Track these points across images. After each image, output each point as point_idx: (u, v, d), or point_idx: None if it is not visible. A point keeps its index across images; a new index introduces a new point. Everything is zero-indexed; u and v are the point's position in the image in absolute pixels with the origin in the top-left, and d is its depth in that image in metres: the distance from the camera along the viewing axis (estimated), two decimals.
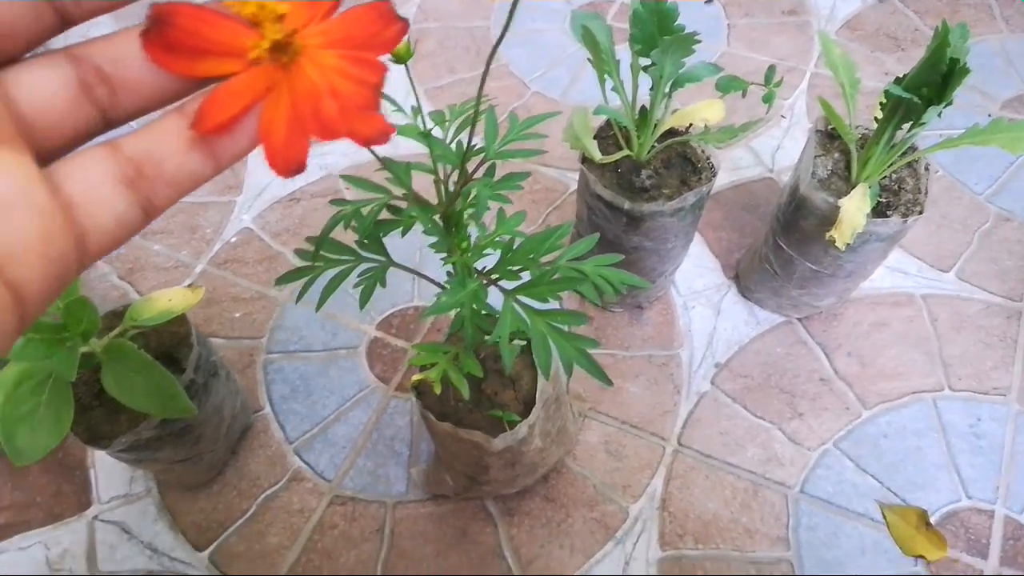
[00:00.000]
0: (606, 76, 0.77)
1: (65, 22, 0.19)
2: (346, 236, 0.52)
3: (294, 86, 0.19)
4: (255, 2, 0.18)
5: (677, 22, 0.72)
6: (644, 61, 0.75)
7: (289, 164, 0.19)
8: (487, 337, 0.55)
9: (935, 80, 0.69)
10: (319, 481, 0.89)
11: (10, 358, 0.60)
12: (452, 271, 0.53)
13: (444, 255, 0.52)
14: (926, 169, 0.84)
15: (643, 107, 0.81)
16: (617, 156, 0.82)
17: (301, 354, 0.98)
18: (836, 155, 0.86)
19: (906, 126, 0.75)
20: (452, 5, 1.43)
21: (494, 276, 0.52)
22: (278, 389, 0.96)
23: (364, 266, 0.54)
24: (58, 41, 0.20)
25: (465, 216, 0.52)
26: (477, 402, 0.71)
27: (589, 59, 0.76)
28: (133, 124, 0.20)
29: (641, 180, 0.83)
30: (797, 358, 0.98)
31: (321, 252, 0.52)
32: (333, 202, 0.53)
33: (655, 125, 0.81)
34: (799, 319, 1.01)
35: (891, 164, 0.79)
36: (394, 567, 0.83)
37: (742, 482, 0.88)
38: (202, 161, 0.20)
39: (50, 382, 0.62)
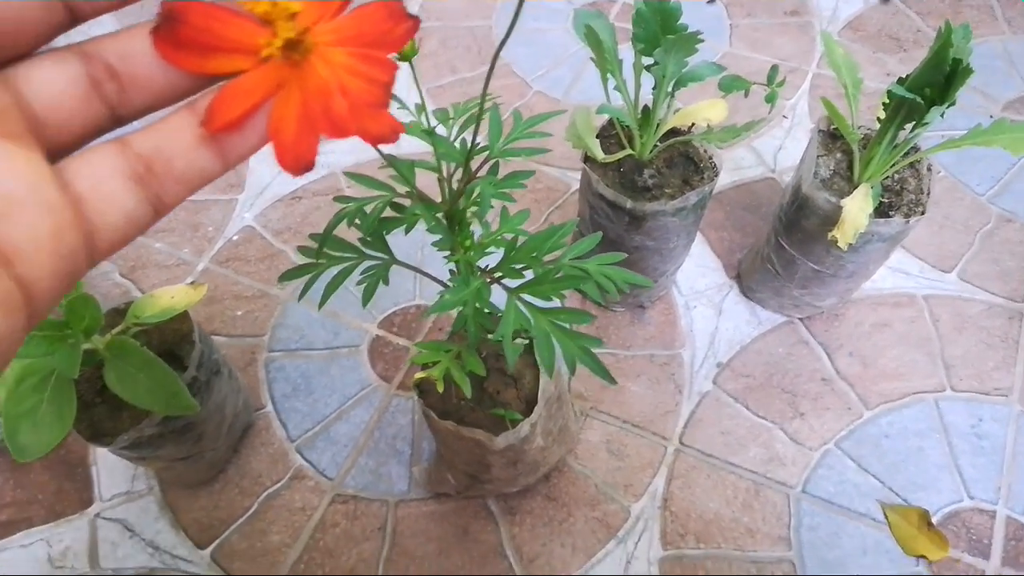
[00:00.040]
0: (609, 75, 0.77)
1: (74, 18, 0.19)
2: (348, 234, 0.52)
3: (304, 84, 0.19)
4: (268, 0, 0.18)
5: (680, 21, 0.72)
6: (647, 60, 0.75)
7: (299, 162, 0.19)
8: (490, 335, 0.55)
9: (938, 80, 0.69)
10: (321, 479, 0.89)
11: None
12: (455, 269, 0.53)
13: (447, 253, 0.52)
14: (928, 170, 0.84)
15: (645, 106, 0.81)
16: (619, 155, 0.82)
17: (303, 352, 0.99)
18: (838, 155, 0.86)
19: (908, 126, 0.75)
20: (454, 4, 1.43)
21: (497, 274, 0.52)
22: (280, 387, 0.96)
23: (367, 264, 0.54)
24: (59, 41, 0.20)
25: (468, 214, 0.52)
26: (479, 400, 0.71)
27: (592, 58, 0.76)
28: (135, 124, 0.21)
29: (643, 179, 0.83)
30: (799, 358, 0.98)
31: (324, 249, 0.52)
32: (337, 199, 0.53)
33: (657, 124, 0.81)
34: (801, 319, 1.01)
35: (893, 164, 0.79)
36: (396, 566, 0.83)
37: (744, 482, 0.88)
38: (211, 158, 0.20)
39: (53, 379, 0.62)
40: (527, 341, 0.70)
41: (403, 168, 0.47)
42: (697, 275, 1.06)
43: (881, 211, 0.81)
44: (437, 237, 0.51)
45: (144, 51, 0.19)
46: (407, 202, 0.52)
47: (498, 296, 0.50)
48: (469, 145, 0.46)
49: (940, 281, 1.04)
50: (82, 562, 0.84)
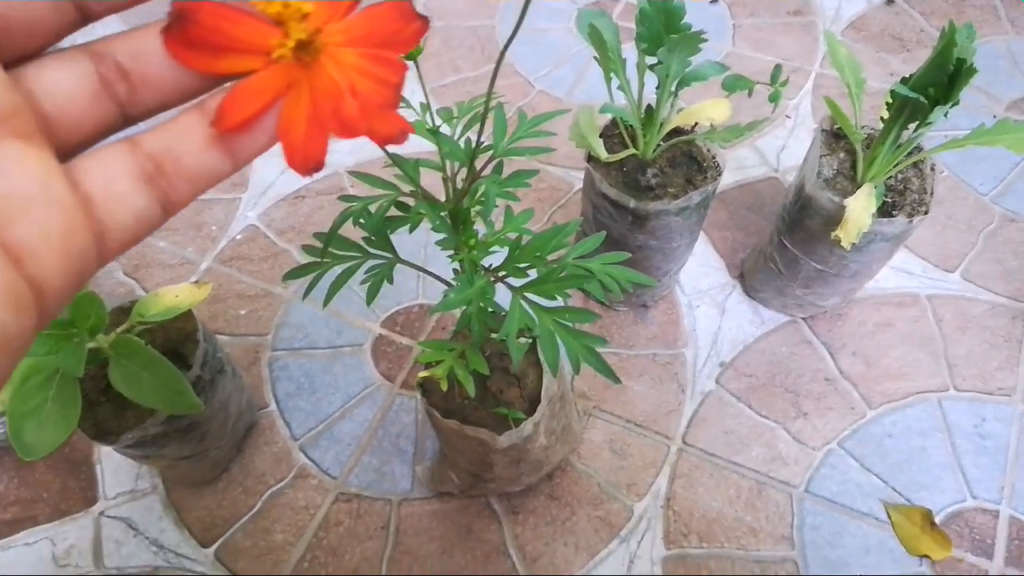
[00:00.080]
0: (612, 75, 0.78)
1: (85, 18, 0.19)
2: (352, 233, 0.53)
3: (314, 84, 0.19)
4: (280, 1, 0.18)
5: (683, 21, 0.72)
6: (650, 60, 0.75)
7: (308, 162, 0.20)
8: (494, 334, 0.55)
9: (941, 80, 0.69)
10: (324, 478, 0.89)
11: None
12: (459, 268, 0.53)
13: (451, 252, 0.52)
14: (932, 169, 0.84)
15: (649, 106, 0.81)
16: (623, 155, 0.82)
17: (306, 351, 0.99)
18: (842, 155, 0.86)
19: (912, 126, 0.75)
20: (457, 4, 1.43)
21: (501, 273, 0.52)
22: (283, 386, 0.96)
23: (371, 263, 0.54)
24: (62, 42, 0.20)
25: (472, 213, 0.52)
26: (482, 400, 0.71)
27: (595, 57, 0.76)
28: (142, 124, 0.21)
29: (647, 179, 0.83)
30: (802, 358, 0.98)
31: (328, 248, 0.52)
32: (342, 198, 0.53)
33: (661, 124, 0.81)
34: (804, 319, 1.01)
35: (897, 164, 0.79)
36: (399, 564, 0.84)
37: (746, 481, 0.88)
38: (220, 158, 0.20)
39: (57, 377, 0.62)
40: (531, 340, 0.70)
41: (408, 167, 0.47)
42: (700, 274, 1.06)
43: (884, 211, 0.81)
44: (441, 236, 0.51)
45: (154, 51, 0.19)
46: (411, 201, 0.52)
47: (502, 295, 0.50)
48: (474, 144, 0.46)
49: (943, 281, 1.04)
50: (86, 560, 0.84)
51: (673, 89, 0.77)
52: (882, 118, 0.77)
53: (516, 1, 1.43)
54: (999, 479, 0.88)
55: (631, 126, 0.81)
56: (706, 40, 0.70)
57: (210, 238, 1.10)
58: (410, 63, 0.46)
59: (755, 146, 1.20)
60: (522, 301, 0.49)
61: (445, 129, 0.54)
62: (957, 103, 0.70)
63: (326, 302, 0.53)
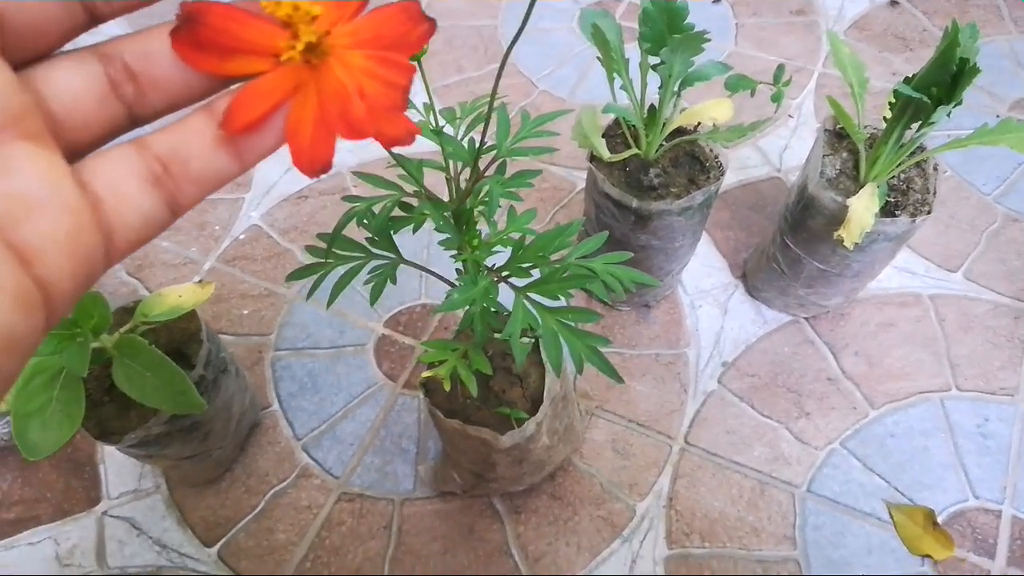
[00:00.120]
0: (615, 74, 0.78)
1: (93, 19, 0.19)
2: (355, 233, 0.53)
3: (322, 86, 0.19)
4: (290, 3, 0.18)
5: (686, 21, 0.72)
6: (653, 60, 0.75)
7: (315, 164, 0.20)
8: (497, 334, 0.55)
9: (944, 80, 0.69)
10: (327, 478, 0.89)
11: None
12: (462, 268, 0.53)
13: (454, 252, 0.52)
14: (934, 169, 0.83)
15: (652, 106, 0.81)
16: (625, 155, 0.82)
17: (309, 351, 0.99)
18: (844, 155, 0.86)
19: (915, 126, 0.75)
20: (460, 4, 1.43)
21: (504, 273, 0.52)
22: (286, 386, 0.96)
23: (374, 263, 0.54)
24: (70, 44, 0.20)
25: (475, 213, 0.52)
26: (485, 399, 0.71)
27: (598, 57, 0.76)
28: (146, 127, 0.21)
29: (649, 179, 0.83)
30: (804, 357, 0.98)
31: (332, 249, 0.52)
32: (346, 199, 0.53)
33: (663, 124, 0.81)
34: (806, 318, 1.01)
35: (899, 164, 0.79)
36: (401, 564, 0.84)
37: (749, 481, 0.88)
38: (228, 160, 0.20)
39: (62, 377, 0.62)
40: (533, 340, 0.70)
41: (411, 168, 0.47)
42: (703, 274, 1.06)
43: (887, 210, 0.81)
44: (443, 236, 0.51)
45: (162, 52, 0.19)
46: (415, 201, 0.52)
47: (505, 295, 0.50)
48: (477, 145, 0.46)
49: (946, 280, 1.04)
50: (89, 560, 0.84)
51: (676, 89, 0.77)
52: (885, 118, 0.77)
53: (518, 1, 1.44)
54: (1001, 479, 0.88)
55: (634, 126, 0.81)
56: (709, 40, 0.70)
57: (213, 238, 1.10)
58: (414, 63, 0.46)
59: (758, 146, 1.20)
60: (525, 301, 0.49)
61: (448, 129, 0.54)
62: (960, 103, 0.70)
63: (330, 302, 0.53)
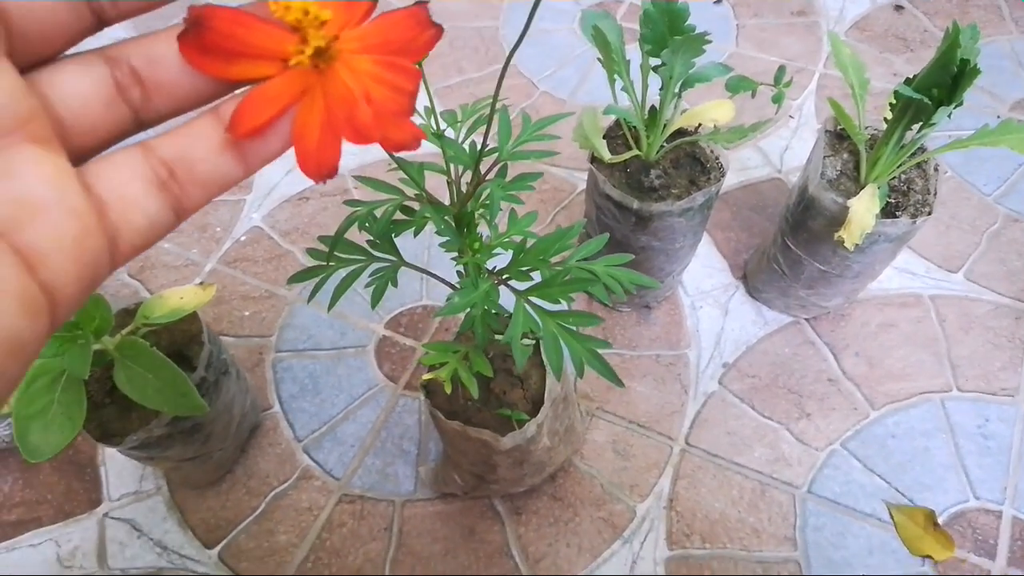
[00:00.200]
0: (616, 76, 0.78)
1: (100, 22, 0.19)
2: (356, 236, 0.53)
3: (328, 90, 0.19)
4: (300, 8, 0.18)
5: (687, 22, 0.72)
6: (654, 61, 0.75)
7: (321, 168, 0.20)
8: (497, 336, 0.55)
9: (945, 81, 0.69)
10: (328, 479, 0.89)
11: None
12: (463, 271, 0.53)
13: (455, 255, 0.52)
14: (935, 170, 0.84)
15: (652, 107, 0.81)
16: (626, 156, 0.82)
17: (310, 352, 0.99)
18: (845, 156, 0.86)
19: (915, 127, 0.75)
20: (461, 5, 1.43)
21: (505, 276, 0.52)
22: (287, 388, 0.96)
23: (376, 265, 0.54)
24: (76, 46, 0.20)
25: (476, 216, 0.53)
26: (485, 401, 0.71)
27: (599, 59, 0.76)
28: (150, 130, 0.21)
29: (650, 180, 0.83)
30: (805, 358, 0.98)
31: (333, 252, 0.52)
32: (347, 203, 0.53)
33: (664, 125, 0.81)
34: (807, 319, 1.01)
35: (900, 165, 0.79)
36: (402, 565, 0.84)
37: (749, 482, 0.88)
38: (233, 164, 0.21)
39: (63, 379, 0.62)
40: (534, 342, 0.70)
41: (413, 171, 0.48)
42: (703, 275, 1.06)
43: (888, 211, 0.81)
44: (444, 238, 0.51)
45: (169, 56, 0.19)
46: (416, 205, 0.52)
47: (505, 297, 0.50)
48: (479, 148, 0.46)
49: (947, 281, 1.04)
50: (91, 562, 0.84)
51: (677, 90, 0.77)
52: (886, 119, 0.77)
53: (520, 2, 1.44)
54: (1002, 479, 0.88)
55: (635, 127, 0.81)
56: (710, 41, 0.70)
57: (214, 239, 1.10)
58: (420, 68, 0.46)
59: (758, 147, 1.20)
60: (526, 305, 0.49)
61: (449, 132, 0.54)
62: (961, 104, 0.70)
63: (331, 306, 0.53)
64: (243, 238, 1.10)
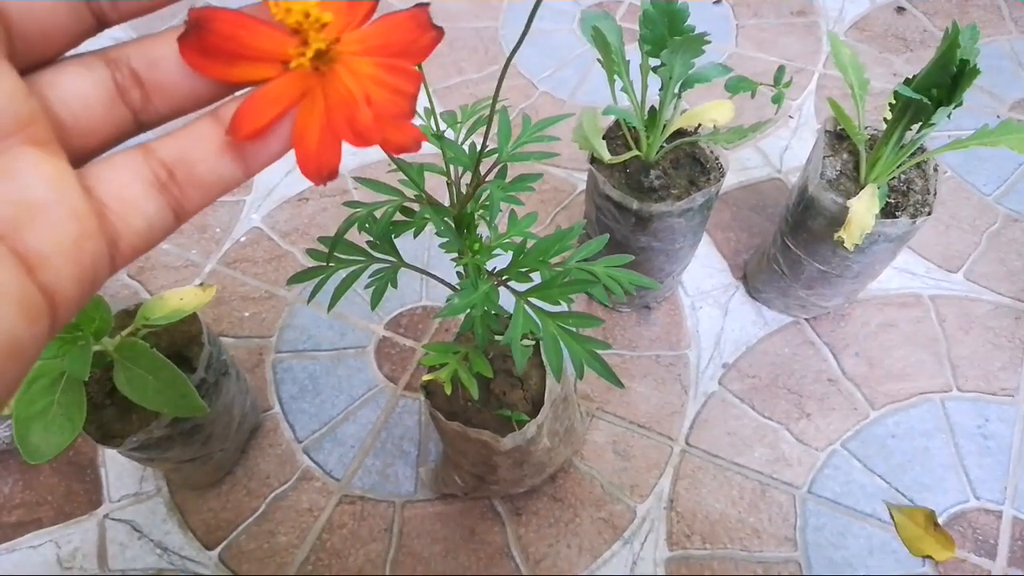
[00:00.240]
0: (616, 76, 0.78)
1: (101, 24, 0.19)
2: (356, 236, 0.53)
3: (329, 93, 0.19)
4: (301, 10, 0.18)
5: (687, 23, 0.72)
6: (654, 62, 0.75)
7: (322, 170, 0.20)
8: (497, 337, 0.55)
9: (945, 81, 0.69)
10: (328, 480, 0.89)
11: None
12: (463, 272, 0.53)
13: (455, 256, 0.52)
14: (935, 170, 0.84)
15: (652, 107, 0.81)
16: (626, 156, 0.82)
17: (310, 353, 0.99)
18: (845, 156, 0.86)
19: (915, 127, 0.75)
20: (460, 5, 1.43)
21: (505, 277, 0.52)
22: (287, 388, 0.96)
23: (376, 266, 0.54)
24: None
25: (476, 217, 0.52)
26: (485, 402, 0.71)
27: (599, 59, 0.76)
28: (149, 132, 0.21)
29: (650, 180, 0.83)
30: (805, 358, 0.98)
31: (333, 253, 0.52)
32: (347, 204, 0.53)
33: (664, 125, 0.81)
34: (807, 319, 1.01)
35: (900, 165, 0.79)
36: (402, 566, 0.84)
37: (750, 482, 0.88)
38: (234, 166, 0.20)
39: (63, 381, 0.62)
40: (534, 343, 0.70)
41: (413, 172, 0.48)
42: (703, 276, 1.06)
43: (887, 212, 0.81)
44: (444, 239, 0.51)
45: (169, 58, 0.19)
46: (416, 206, 0.52)
47: (505, 298, 0.50)
48: (478, 149, 0.46)
49: (946, 281, 1.04)
50: (91, 563, 0.84)
51: (676, 91, 0.77)
52: (885, 119, 0.77)
53: (519, 3, 1.44)
54: (1002, 480, 0.88)
55: (634, 128, 0.81)
56: (709, 42, 0.70)
57: (214, 240, 1.10)
58: (420, 70, 0.46)
59: (758, 147, 1.20)
60: (526, 306, 0.49)
61: (449, 133, 0.54)
62: (960, 104, 0.70)
63: (331, 306, 0.53)
64: (243, 239, 1.10)
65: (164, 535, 0.86)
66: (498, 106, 0.42)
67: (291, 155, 0.21)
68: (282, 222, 1.12)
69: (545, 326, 0.48)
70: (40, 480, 0.89)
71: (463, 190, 0.50)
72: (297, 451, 0.91)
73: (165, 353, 0.66)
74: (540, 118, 0.58)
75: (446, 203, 0.51)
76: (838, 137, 0.87)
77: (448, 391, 0.58)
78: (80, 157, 0.20)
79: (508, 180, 0.52)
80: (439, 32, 0.20)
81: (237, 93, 0.20)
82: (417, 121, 0.54)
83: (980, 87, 1.25)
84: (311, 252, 0.53)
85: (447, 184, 0.52)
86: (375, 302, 0.54)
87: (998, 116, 1.22)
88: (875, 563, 0.83)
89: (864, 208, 0.75)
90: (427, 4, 0.20)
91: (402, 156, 0.21)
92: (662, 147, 0.83)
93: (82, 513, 0.87)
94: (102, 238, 0.19)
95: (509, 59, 0.30)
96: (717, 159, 0.84)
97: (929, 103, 0.70)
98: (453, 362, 0.57)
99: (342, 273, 0.54)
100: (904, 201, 0.82)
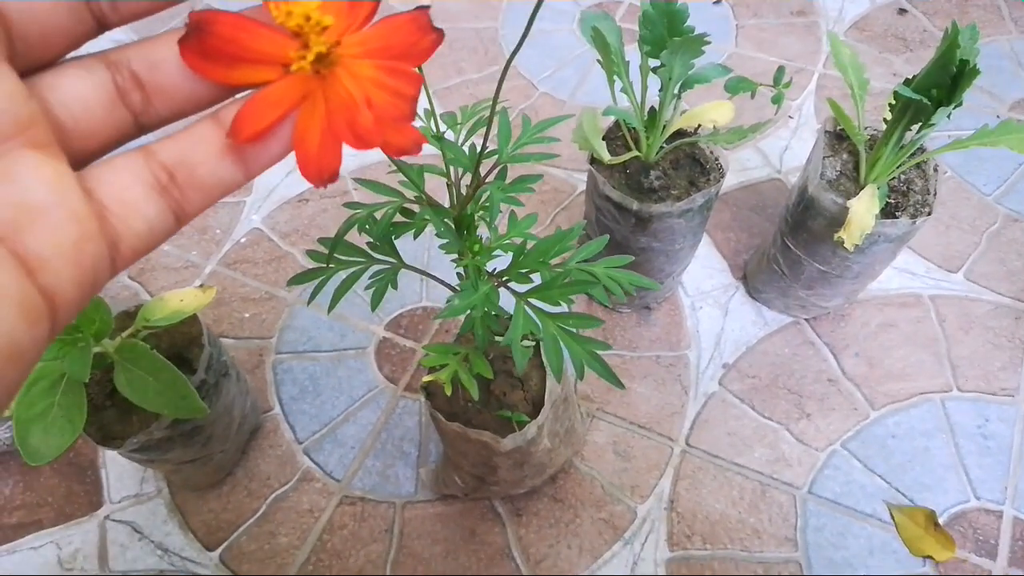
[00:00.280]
0: (615, 77, 0.78)
1: (101, 26, 0.19)
2: (356, 237, 0.53)
3: (329, 95, 0.19)
4: (301, 13, 0.18)
5: (686, 23, 0.72)
6: (653, 62, 0.75)
7: (322, 173, 0.20)
8: (498, 338, 0.55)
9: (945, 81, 0.69)
10: (328, 481, 0.89)
11: None
12: (463, 273, 0.53)
13: (455, 257, 0.52)
14: (935, 170, 0.84)
15: (652, 108, 0.81)
16: (626, 157, 0.82)
17: (310, 354, 0.99)
18: (845, 156, 0.86)
19: (915, 127, 0.75)
20: (460, 6, 1.43)
21: (505, 278, 0.52)
22: (287, 389, 0.96)
23: (376, 268, 0.54)
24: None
25: (476, 218, 0.53)
26: (486, 402, 0.71)
27: (599, 60, 0.76)
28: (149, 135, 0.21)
29: (650, 181, 0.83)
30: (805, 359, 0.98)
31: (333, 254, 0.52)
32: (347, 205, 0.53)
33: (664, 126, 0.81)
34: (807, 320, 1.01)
35: (900, 165, 0.79)
36: (403, 567, 0.84)
37: (750, 483, 0.88)
38: (234, 168, 0.20)
39: (63, 382, 0.62)
40: (534, 344, 0.70)
41: (413, 174, 0.48)
42: (703, 276, 1.06)
43: (887, 212, 0.81)
44: (444, 240, 0.51)
45: (170, 60, 0.19)
46: (416, 207, 0.52)
47: (505, 298, 0.50)
48: (478, 150, 0.46)
49: (946, 281, 1.04)
50: (92, 564, 0.84)
51: (676, 91, 0.77)
52: (885, 119, 0.77)
53: (519, 3, 1.44)
54: (1002, 480, 0.88)
55: (634, 128, 0.81)
56: (709, 43, 0.70)
57: (214, 241, 1.10)
58: (420, 72, 0.46)
59: (758, 147, 1.20)
60: (526, 307, 0.49)
61: (449, 135, 0.54)
62: (960, 104, 0.70)
63: (331, 308, 0.53)
64: (243, 240, 1.10)
65: (165, 536, 0.86)
66: (498, 107, 0.42)
67: (291, 156, 0.21)
68: (282, 223, 1.12)
69: (545, 327, 0.48)
70: (41, 482, 0.89)
71: (463, 191, 0.50)
72: (297, 452, 0.91)
73: (165, 354, 0.66)
74: (540, 119, 0.58)
75: (446, 204, 0.51)
76: (838, 137, 0.87)
77: (448, 392, 0.58)
78: (80, 160, 0.20)
79: (508, 181, 0.52)
80: (440, 34, 0.20)
81: (238, 96, 0.20)
82: (417, 123, 0.54)
83: (980, 87, 1.25)
84: (311, 253, 0.53)
85: (447, 185, 0.52)
86: (375, 303, 0.54)
87: (998, 116, 1.22)
88: (875, 563, 0.83)
89: (864, 208, 0.75)
90: (428, 7, 0.20)
91: (402, 158, 0.21)
92: (662, 148, 0.83)
93: (83, 514, 0.87)
94: (102, 240, 0.19)
95: (510, 60, 0.30)
96: (717, 159, 0.84)
97: (929, 103, 0.70)
98: (453, 363, 0.57)
99: (342, 274, 0.54)
100: (904, 201, 0.82)
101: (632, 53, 0.74)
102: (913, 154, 0.80)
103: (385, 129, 0.19)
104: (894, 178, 0.83)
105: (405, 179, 0.50)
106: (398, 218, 0.53)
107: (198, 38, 0.19)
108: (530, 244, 0.53)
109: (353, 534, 0.86)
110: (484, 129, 0.56)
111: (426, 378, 0.64)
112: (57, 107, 0.19)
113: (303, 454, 0.91)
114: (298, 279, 0.53)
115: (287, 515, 0.87)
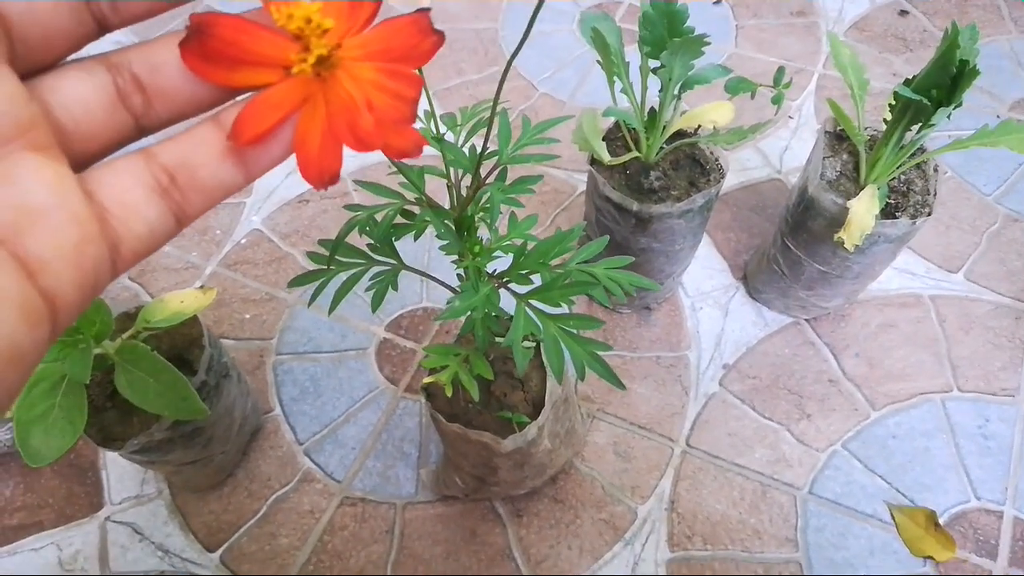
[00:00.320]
0: (615, 78, 0.78)
1: (102, 28, 0.19)
2: (357, 239, 0.53)
3: (330, 98, 0.19)
4: (302, 16, 0.18)
5: (686, 24, 0.72)
6: (653, 63, 0.75)
7: (323, 175, 0.20)
8: (499, 340, 0.55)
9: (944, 82, 0.69)
10: (329, 482, 0.89)
11: None
12: (464, 274, 0.53)
13: (455, 258, 0.52)
14: (935, 170, 0.84)
15: (652, 109, 0.81)
16: (626, 158, 0.82)
17: (311, 355, 0.99)
18: (845, 156, 0.86)
19: (915, 127, 0.75)
20: (460, 6, 1.43)
21: (505, 279, 0.52)
22: (288, 390, 0.96)
23: (376, 269, 0.55)
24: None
25: (476, 220, 0.53)
26: (486, 403, 0.71)
27: (598, 61, 0.76)
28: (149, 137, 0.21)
29: (650, 182, 0.83)
30: (805, 359, 0.98)
31: (334, 255, 0.52)
32: (348, 207, 0.53)
33: (664, 127, 0.81)
34: (807, 320, 1.01)
35: (900, 165, 0.79)
36: (404, 568, 0.84)
37: (750, 483, 0.88)
38: (235, 171, 0.21)
39: (64, 384, 0.62)
40: (534, 345, 0.70)
41: (413, 175, 0.48)
42: (703, 276, 1.06)
43: (887, 212, 0.81)
44: (444, 242, 0.51)
45: (171, 62, 0.19)
46: (416, 209, 0.52)
47: (506, 299, 0.50)
48: (479, 151, 0.46)
49: (946, 281, 1.04)
50: (92, 565, 0.84)
51: (676, 92, 0.77)
52: (885, 119, 0.77)
53: (519, 4, 1.44)
54: (1003, 480, 0.88)
55: (634, 129, 0.81)
56: (709, 43, 0.70)
57: (215, 242, 1.10)
58: (421, 75, 0.46)
59: (758, 147, 1.20)
60: (527, 308, 0.49)
61: (449, 136, 0.54)
62: (960, 104, 0.70)
63: (331, 310, 0.53)
64: (243, 241, 1.10)
65: (165, 537, 0.86)
66: (498, 108, 0.42)
67: (292, 158, 0.21)
68: (282, 224, 1.12)
69: (546, 328, 0.48)
70: (41, 483, 0.89)
71: (463, 192, 0.50)
72: (298, 453, 0.91)
73: (166, 356, 0.66)
74: (540, 120, 0.58)
75: (446, 206, 0.51)
76: (838, 138, 0.87)
77: (449, 393, 0.58)
78: (81, 162, 0.20)
79: (508, 182, 0.52)
80: (440, 37, 0.20)
81: (238, 98, 0.20)
82: (417, 124, 0.54)
83: (980, 87, 1.25)
84: (312, 255, 0.53)
85: (447, 187, 0.52)
86: (376, 304, 0.54)
87: (998, 116, 1.22)
88: (876, 564, 0.83)
89: (864, 209, 0.75)
90: (428, 9, 0.20)
91: (403, 160, 0.21)
92: (662, 148, 0.83)
93: (83, 516, 0.87)
94: (103, 243, 0.19)
95: (510, 61, 0.30)
96: (717, 160, 0.85)
97: (929, 104, 0.70)
98: (454, 364, 0.57)
99: (343, 276, 0.54)
100: (904, 202, 0.82)
101: (632, 54, 0.74)
102: (913, 154, 0.80)
103: (386, 131, 0.19)
104: (894, 178, 0.83)
105: (405, 181, 0.50)
106: (398, 220, 0.53)
107: (199, 40, 0.19)
108: (530, 245, 0.53)
109: (354, 535, 0.86)
110: (484, 130, 0.56)
111: (426, 379, 0.64)
112: (58, 109, 0.19)
113: (304, 455, 0.91)
114: (299, 281, 0.53)
115: (288, 516, 0.87)
